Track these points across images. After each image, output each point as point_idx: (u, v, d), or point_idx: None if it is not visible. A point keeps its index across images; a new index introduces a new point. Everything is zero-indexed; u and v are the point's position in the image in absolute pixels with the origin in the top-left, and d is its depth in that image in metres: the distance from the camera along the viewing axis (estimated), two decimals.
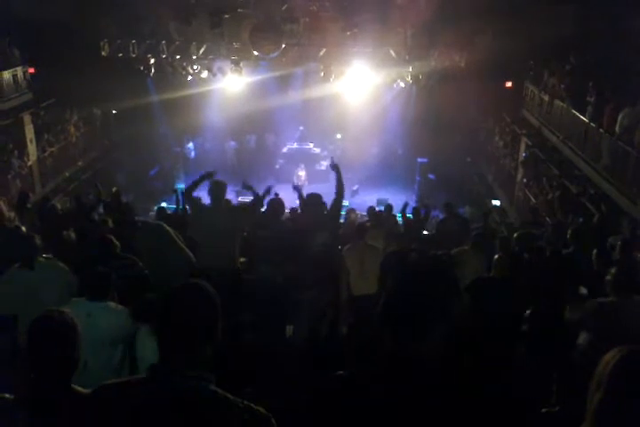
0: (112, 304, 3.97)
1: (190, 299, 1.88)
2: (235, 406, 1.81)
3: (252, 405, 1.83)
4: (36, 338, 2.34)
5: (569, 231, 6.46)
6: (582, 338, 4.07)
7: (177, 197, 9.09)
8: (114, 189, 9.79)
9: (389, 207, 9.90)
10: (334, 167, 5.99)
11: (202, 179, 6.14)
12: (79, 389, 2.29)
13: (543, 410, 2.88)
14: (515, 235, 6.66)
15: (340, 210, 6.26)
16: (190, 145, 20.16)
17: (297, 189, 6.64)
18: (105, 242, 5.33)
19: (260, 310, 5.15)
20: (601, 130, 11.00)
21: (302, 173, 18.08)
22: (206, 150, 20.75)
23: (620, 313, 4.05)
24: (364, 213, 10.94)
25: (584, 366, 2.25)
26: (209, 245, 5.79)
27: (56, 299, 4.08)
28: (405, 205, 9.14)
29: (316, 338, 5.16)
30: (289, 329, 5.29)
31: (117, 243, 5.38)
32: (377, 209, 10.44)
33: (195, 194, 6.11)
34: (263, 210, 6.62)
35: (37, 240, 4.64)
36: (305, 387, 2.91)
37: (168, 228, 5.76)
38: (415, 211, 9.21)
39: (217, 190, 6.00)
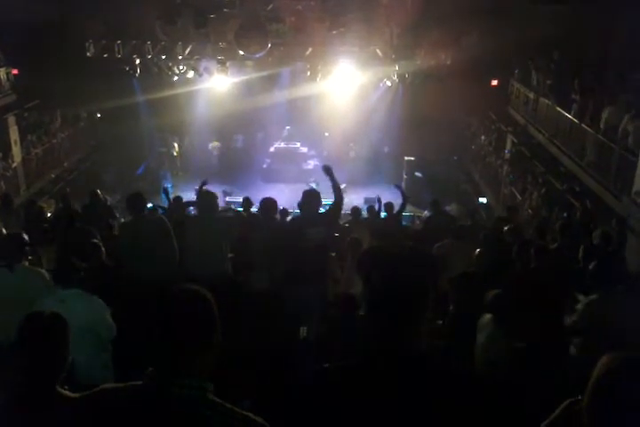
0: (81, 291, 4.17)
1: (189, 305, 1.82)
2: (232, 416, 1.79)
3: (249, 415, 1.81)
4: (26, 337, 2.30)
5: (556, 226, 6.52)
6: (576, 340, 4.05)
7: (167, 195, 9.08)
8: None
9: (372, 209, 9.94)
10: (327, 170, 5.62)
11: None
12: (65, 392, 2.26)
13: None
14: (505, 228, 6.69)
15: (340, 212, 5.99)
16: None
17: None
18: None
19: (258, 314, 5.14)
20: (584, 125, 11.08)
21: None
22: (193, 150, 20.68)
23: (606, 309, 4.05)
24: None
25: (579, 367, 2.23)
26: (199, 254, 5.73)
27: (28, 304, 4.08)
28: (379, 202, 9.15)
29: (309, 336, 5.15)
30: (303, 331, 5.20)
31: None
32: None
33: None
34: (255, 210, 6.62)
35: (24, 239, 4.63)
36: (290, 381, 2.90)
37: (167, 222, 5.78)
38: (387, 206, 9.10)
39: (206, 201, 5.88)
